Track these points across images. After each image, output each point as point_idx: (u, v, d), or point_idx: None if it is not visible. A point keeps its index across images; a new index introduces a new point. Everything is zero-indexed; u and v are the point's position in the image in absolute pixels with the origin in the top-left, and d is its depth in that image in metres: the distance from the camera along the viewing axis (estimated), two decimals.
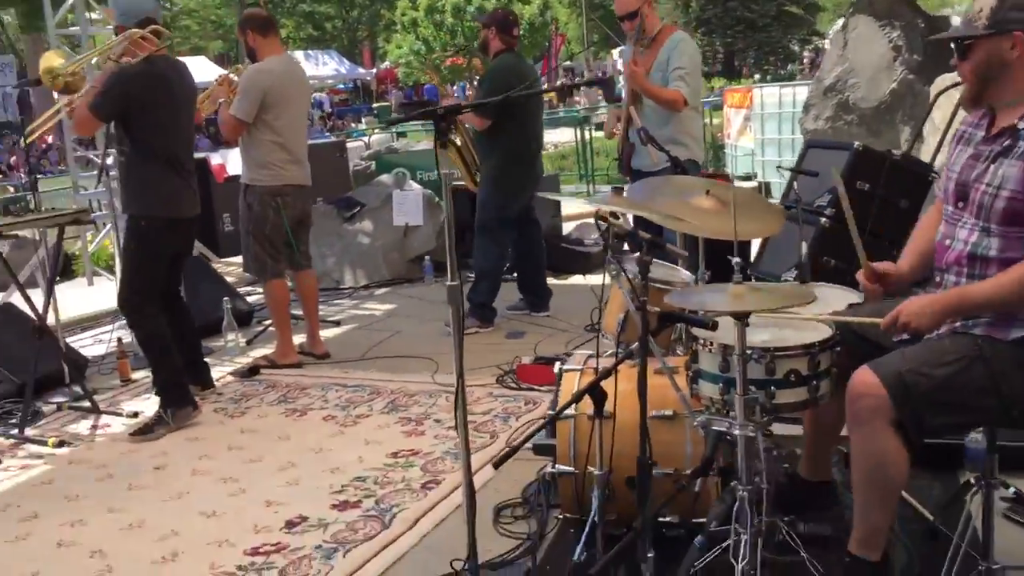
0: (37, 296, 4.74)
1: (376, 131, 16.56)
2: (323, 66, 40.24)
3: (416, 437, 3.98)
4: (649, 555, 2.30)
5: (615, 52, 43.02)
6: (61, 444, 4.18)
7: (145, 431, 4.24)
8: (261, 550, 3.07)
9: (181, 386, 4.40)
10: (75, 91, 4.37)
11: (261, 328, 5.84)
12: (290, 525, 3.24)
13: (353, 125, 28.26)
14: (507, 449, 2.68)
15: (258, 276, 5.16)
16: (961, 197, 2.35)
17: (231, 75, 5.09)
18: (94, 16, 7.32)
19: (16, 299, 5.12)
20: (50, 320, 4.67)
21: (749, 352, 2.36)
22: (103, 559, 3.10)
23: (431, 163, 8.12)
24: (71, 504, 3.57)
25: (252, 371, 5.02)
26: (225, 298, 5.62)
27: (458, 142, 5.82)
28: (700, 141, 5.12)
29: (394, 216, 7.11)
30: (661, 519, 2.75)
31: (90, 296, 7.06)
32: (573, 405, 2.74)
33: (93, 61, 5.25)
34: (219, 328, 5.57)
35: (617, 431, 2.65)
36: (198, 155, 6.23)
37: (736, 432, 2.33)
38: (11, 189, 17.01)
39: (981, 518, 2.37)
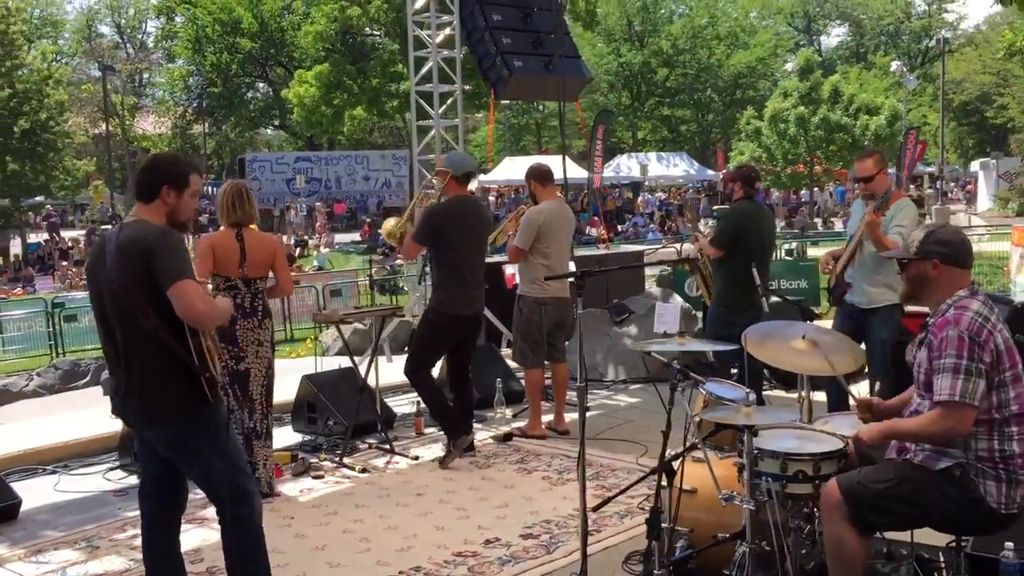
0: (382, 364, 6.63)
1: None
2: (673, 167, 42.40)
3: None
4: None
5: (975, 164, 40.89)
6: (363, 471, 5.94)
7: (443, 461, 5.97)
8: (463, 553, 4.51)
9: (454, 418, 6.05)
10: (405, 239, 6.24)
11: (526, 405, 7.36)
12: (487, 542, 4.65)
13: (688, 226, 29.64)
14: (606, 497, 3.89)
15: (520, 364, 6.72)
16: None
17: (519, 211, 6.78)
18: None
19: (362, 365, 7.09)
20: (373, 382, 6.55)
21: (759, 452, 3.41)
22: (367, 543, 4.72)
23: None
24: (358, 509, 5.25)
25: (506, 437, 6.54)
26: (498, 379, 7.23)
27: (700, 264, 7.03)
28: None
29: (655, 324, 8.37)
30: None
31: None
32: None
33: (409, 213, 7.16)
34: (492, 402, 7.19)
35: (698, 501, 3.78)
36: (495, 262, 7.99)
37: (744, 506, 3.39)
38: (387, 269, 20.77)
39: None
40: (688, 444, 3.88)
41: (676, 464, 3.79)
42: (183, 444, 3.51)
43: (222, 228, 5.42)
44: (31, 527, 5.19)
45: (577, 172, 35.82)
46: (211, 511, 5.19)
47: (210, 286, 5.14)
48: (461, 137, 9.76)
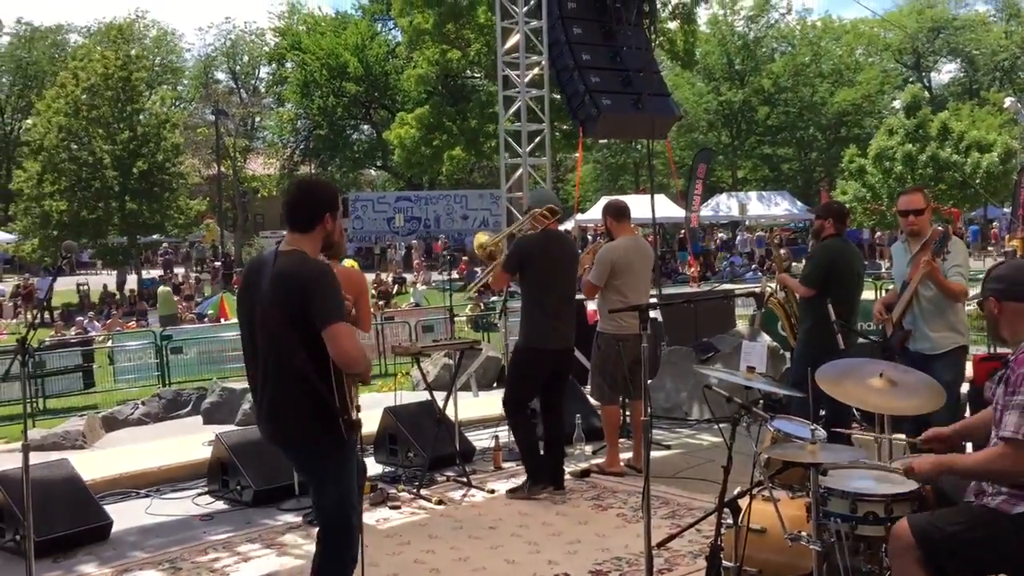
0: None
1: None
2: (775, 206, 41.66)
3: (677, 540, 5.10)
4: None
5: None
6: (440, 503, 5.98)
7: (513, 491, 6.05)
8: None
9: (540, 468, 6.06)
10: (495, 258, 6.32)
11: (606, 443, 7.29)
12: None
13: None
14: (670, 534, 3.83)
15: (598, 400, 6.68)
16: None
17: (595, 247, 6.78)
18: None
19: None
20: (454, 415, 6.60)
21: (827, 492, 3.30)
22: (436, 574, 4.74)
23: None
24: (431, 540, 5.29)
25: (584, 473, 6.49)
26: (578, 415, 7.19)
27: (780, 299, 6.88)
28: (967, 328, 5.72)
29: (741, 363, 8.21)
30: None
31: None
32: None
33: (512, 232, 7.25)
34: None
35: (767, 540, 3.68)
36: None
37: (812, 547, 3.28)
38: (481, 306, 21.09)
39: None
40: (755, 482, 3.78)
41: (744, 502, 3.70)
42: (311, 467, 3.67)
43: None
44: (120, 548, 5.40)
45: (676, 211, 35.68)
46: (290, 537, 5.36)
47: None
48: (549, 175, 9.85)
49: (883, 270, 24.67)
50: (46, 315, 25.47)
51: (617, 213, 6.60)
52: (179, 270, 37.91)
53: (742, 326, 8.87)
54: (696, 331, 9.81)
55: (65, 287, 28.22)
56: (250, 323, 3.60)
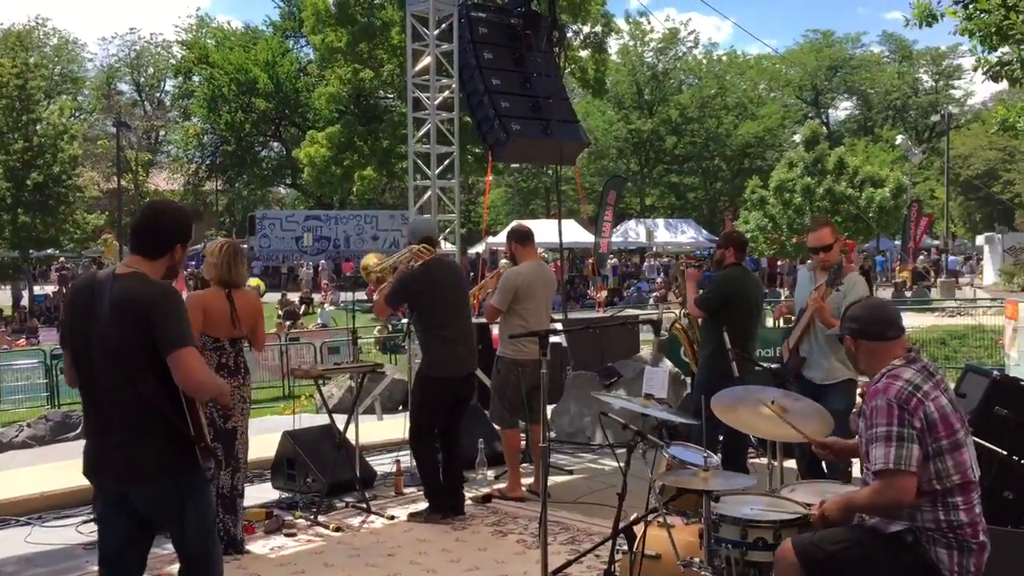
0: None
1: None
2: (681, 234, 42.57)
3: (576, 566, 5.10)
4: None
5: (980, 238, 41.02)
6: (337, 530, 5.85)
7: (414, 515, 6.01)
8: None
9: (441, 499, 6.01)
10: (383, 282, 6.25)
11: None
12: None
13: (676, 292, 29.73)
14: (567, 560, 3.82)
15: (498, 425, 6.66)
16: None
17: (500, 270, 6.78)
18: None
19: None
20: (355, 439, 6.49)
21: (719, 518, 3.35)
22: None
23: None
24: (326, 569, 5.17)
25: (486, 498, 6.45)
26: (481, 439, 7.15)
27: (683, 325, 7.01)
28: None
29: (643, 388, 8.30)
30: None
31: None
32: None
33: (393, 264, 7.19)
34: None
35: (662, 566, 3.70)
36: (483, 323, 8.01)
37: (703, 573, 3.32)
38: (388, 328, 20.85)
39: None
40: (649, 508, 3.81)
41: (640, 528, 3.73)
42: (166, 502, 3.38)
43: (212, 287, 5.40)
44: None
45: (586, 236, 36.06)
46: (176, 568, 5.16)
47: None
48: (458, 198, 9.83)
49: (782, 298, 25.40)
50: None
51: (521, 238, 6.62)
52: None
53: (646, 352, 8.98)
54: (602, 356, 9.89)
55: None
56: (84, 349, 3.34)
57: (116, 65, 52.64)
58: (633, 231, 40.50)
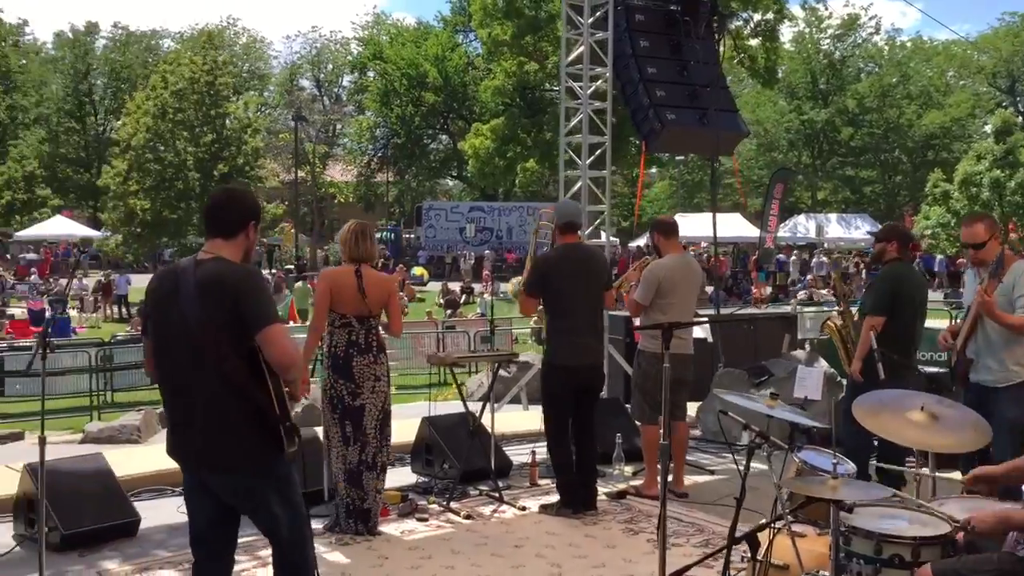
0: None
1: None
2: (855, 229, 40.60)
3: (702, 568, 4.88)
4: None
5: None
6: (468, 517, 5.85)
7: (546, 507, 5.93)
8: None
9: (573, 494, 5.90)
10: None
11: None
12: None
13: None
14: (686, 564, 3.64)
15: (638, 420, 6.48)
16: None
17: (643, 262, 6.60)
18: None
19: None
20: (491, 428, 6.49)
21: (851, 531, 3.08)
22: None
23: None
24: (452, 556, 5.17)
25: (620, 495, 6.30)
26: (619, 434, 6.99)
27: (837, 324, 6.59)
28: None
29: (795, 388, 7.90)
30: None
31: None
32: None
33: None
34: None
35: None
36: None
37: None
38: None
39: None
40: (775, 515, 3.57)
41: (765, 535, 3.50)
42: (249, 494, 3.43)
43: (343, 264, 5.55)
44: (145, 546, 5.40)
45: (752, 231, 34.96)
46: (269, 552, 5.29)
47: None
48: (608, 189, 9.67)
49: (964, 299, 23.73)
50: (123, 310, 26.20)
51: (665, 230, 6.41)
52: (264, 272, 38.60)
53: (799, 352, 8.56)
54: (756, 354, 9.52)
55: (143, 285, 28.97)
56: (165, 337, 3.39)
57: (299, 62, 55.23)
58: (803, 226, 38.97)
